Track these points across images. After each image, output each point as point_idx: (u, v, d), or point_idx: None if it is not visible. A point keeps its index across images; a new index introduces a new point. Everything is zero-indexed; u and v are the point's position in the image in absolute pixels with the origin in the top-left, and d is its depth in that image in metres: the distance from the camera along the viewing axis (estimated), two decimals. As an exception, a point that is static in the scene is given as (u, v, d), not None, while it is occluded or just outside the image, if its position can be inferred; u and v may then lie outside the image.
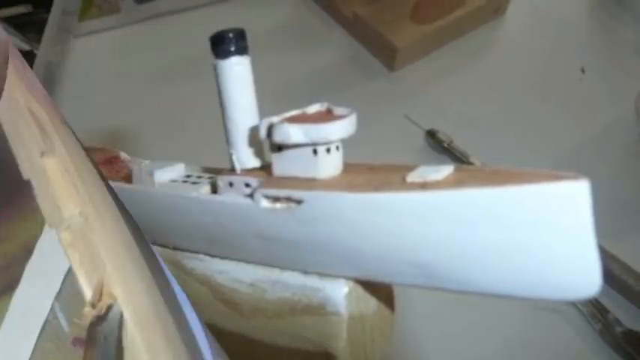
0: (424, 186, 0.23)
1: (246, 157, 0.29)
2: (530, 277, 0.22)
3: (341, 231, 0.25)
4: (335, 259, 0.26)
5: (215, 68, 0.28)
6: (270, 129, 0.26)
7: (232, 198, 0.28)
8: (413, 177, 0.23)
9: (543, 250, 0.21)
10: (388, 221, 0.23)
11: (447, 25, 0.90)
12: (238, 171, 0.29)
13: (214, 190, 0.30)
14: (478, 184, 0.21)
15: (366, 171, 0.26)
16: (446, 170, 0.23)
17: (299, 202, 0.25)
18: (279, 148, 0.27)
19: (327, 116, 0.26)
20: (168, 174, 0.32)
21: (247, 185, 0.28)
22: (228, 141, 0.29)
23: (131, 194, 0.32)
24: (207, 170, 0.33)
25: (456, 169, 0.24)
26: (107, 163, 0.37)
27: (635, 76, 0.86)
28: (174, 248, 0.34)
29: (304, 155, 0.26)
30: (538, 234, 0.21)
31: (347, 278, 0.28)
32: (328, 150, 0.26)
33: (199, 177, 0.32)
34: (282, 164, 0.27)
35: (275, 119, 0.26)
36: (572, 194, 0.20)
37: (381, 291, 0.30)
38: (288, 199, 0.26)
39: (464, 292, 0.24)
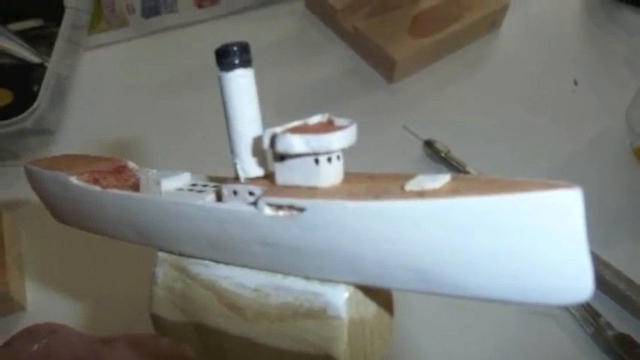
0: (422, 194, 0.23)
1: (249, 167, 0.29)
2: (524, 282, 0.22)
3: (341, 238, 0.25)
4: (336, 264, 0.26)
5: (220, 80, 0.28)
6: (273, 139, 0.26)
7: (236, 206, 0.28)
8: (411, 185, 0.24)
9: (537, 257, 0.21)
10: (387, 228, 0.23)
11: (445, 39, 0.90)
12: (242, 180, 0.29)
13: (219, 198, 0.30)
14: (474, 192, 0.21)
15: (366, 180, 0.26)
16: (443, 179, 0.24)
17: (301, 209, 0.25)
18: (281, 157, 0.27)
19: (328, 127, 0.26)
20: (175, 183, 0.32)
21: (251, 194, 0.28)
22: (232, 151, 0.29)
23: (138, 202, 0.32)
24: (212, 179, 0.33)
25: (453, 178, 0.24)
26: (115, 172, 0.37)
27: (626, 88, 0.86)
28: (180, 254, 0.34)
29: (306, 164, 0.26)
30: (532, 241, 0.21)
31: (347, 283, 0.28)
32: (329, 159, 0.26)
33: (205, 185, 0.32)
34: (285, 173, 0.27)
35: (278, 130, 0.26)
36: (566, 202, 0.20)
37: (381, 295, 0.30)
38: (291, 207, 0.26)
39: (460, 297, 0.24)
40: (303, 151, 0.25)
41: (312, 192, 0.26)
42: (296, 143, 0.25)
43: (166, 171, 0.33)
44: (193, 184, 0.33)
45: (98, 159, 0.39)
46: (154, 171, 0.35)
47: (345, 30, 0.94)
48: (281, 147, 0.25)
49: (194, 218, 0.30)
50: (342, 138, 0.25)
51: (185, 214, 0.30)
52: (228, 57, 0.27)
